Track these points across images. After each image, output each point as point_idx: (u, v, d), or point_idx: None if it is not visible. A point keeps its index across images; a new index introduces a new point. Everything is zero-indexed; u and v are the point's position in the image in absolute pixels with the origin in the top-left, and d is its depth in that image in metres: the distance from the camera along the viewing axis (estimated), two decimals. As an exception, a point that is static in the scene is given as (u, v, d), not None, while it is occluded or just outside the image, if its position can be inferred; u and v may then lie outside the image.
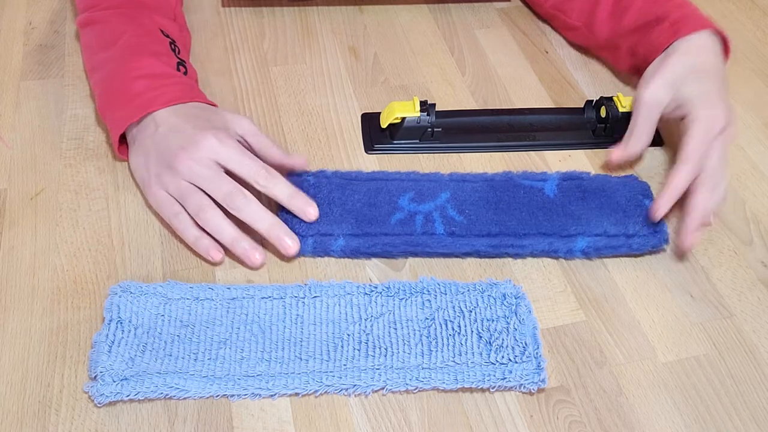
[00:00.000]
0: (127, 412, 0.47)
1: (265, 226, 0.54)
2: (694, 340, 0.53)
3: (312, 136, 0.66)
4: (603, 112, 0.67)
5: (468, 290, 0.53)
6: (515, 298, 0.52)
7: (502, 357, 0.49)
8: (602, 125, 0.67)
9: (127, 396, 0.46)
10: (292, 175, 0.59)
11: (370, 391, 0.49)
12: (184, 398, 0.48)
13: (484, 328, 0.51)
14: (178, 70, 0.61)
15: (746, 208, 0.63)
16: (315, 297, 0.52)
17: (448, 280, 0.54)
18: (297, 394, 0.48)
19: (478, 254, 0.57)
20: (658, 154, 0.67)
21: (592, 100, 0.68)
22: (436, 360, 0.49)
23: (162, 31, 0.63)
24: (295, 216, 0.56)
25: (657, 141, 0.68)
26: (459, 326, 0.51)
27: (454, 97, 0.71)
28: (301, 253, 0.56)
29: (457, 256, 0.57)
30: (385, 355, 0.50)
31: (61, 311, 0.52)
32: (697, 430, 0.48)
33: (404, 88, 0.72)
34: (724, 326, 0.54)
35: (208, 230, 0.54)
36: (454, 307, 0.52)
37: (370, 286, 0.53)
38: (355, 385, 0.48)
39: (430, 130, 0.65)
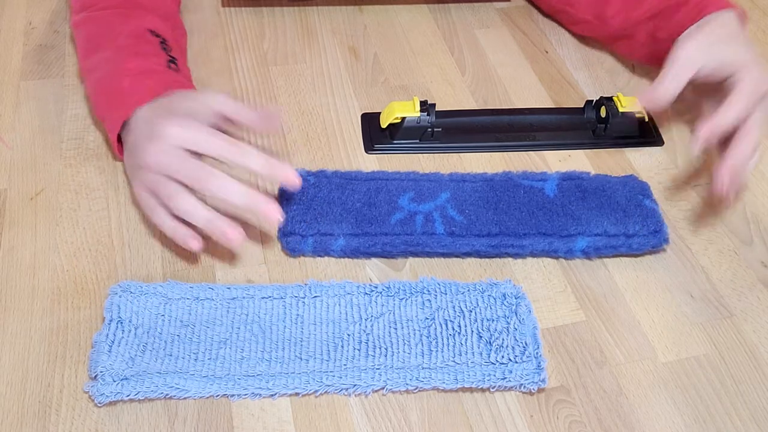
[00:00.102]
0: (127, 412, 0.47)
1: (239, 198, 0.51)
2: (694, 340, 0.53)
3: (312, 136, 0.66)
4: (603, 112, 0.67)
5: (468, 290, 0.53)
6: (515, 298, 0.52)
7: (502, 357, 0.49)
8: (602, 125, 0.67)
9: (127, 396, 0.46)
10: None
11: (370, 391, 0.49)
12: (184, 398, 0.48)
13: (484, 328, 0.51)
14: (169, 67, 0.60)
15: (746, 208, 0.63)
16: (315, 297, 0.52)
17: (448, 280, 0.54)
18: (297, 394, 0.48)
19: (478, 254, 0.57)
20: (658, 154, 0.67)
21: (592, 100, 0.68)
22: (436, 360, 0.49)
23: (152, 31, 0.63)
24: (294, 215, 0.56)
25: (657, 141, 0.68)
26: (459, 326, 0.51)
27: (454, 97, 0.71)
28: (301, 253, 0.56)
29: (457, 256, 0.57)
30: (385, 355, 0.50)
31: (61, 311, 0.52)
32: (697, 430, 0.48)
33: (404, 88, 0.72)
34: (724, 326, 0.54)
35: (182, 217, 0.52)
36: (454, 307, 0.52)
37: (370, 286, 0.53)
38: (355, 385, 0.48)
39: (430, 130, 0.65)
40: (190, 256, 0.56)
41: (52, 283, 0.54)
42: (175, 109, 0.54)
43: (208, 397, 0.48)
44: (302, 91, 0.70)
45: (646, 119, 0.67)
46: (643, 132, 0.68)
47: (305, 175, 0.59)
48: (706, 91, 0.62)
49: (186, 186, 0.51)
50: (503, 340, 0.50)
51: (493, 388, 0.49)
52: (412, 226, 0.56)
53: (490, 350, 0.50)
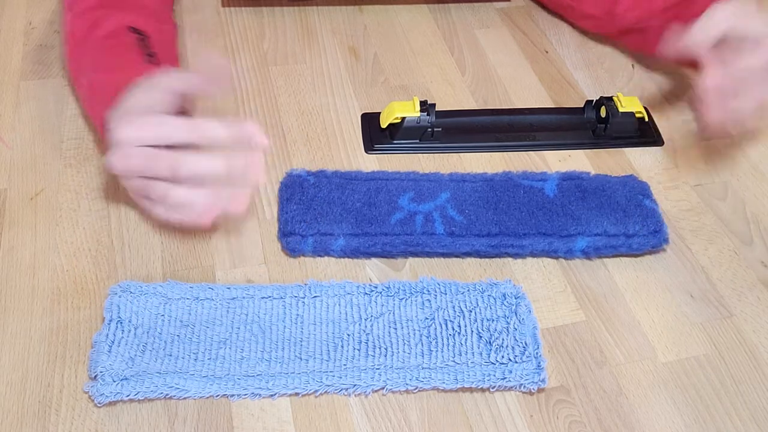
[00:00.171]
0: (127, 412, 0.47)
1: (217, 166, 0.51)
2: (694, 340, 0.53)
3: (312, 136, 0.66)
4: (603, 112, 0.67)
5: (468, 290, 0.53)
6: (515, 298, 0.52)
7: (502, 357, 0.49)
8: (602, 125, 0.67)
9: (127, 396, 0.46)
10: (292, 175, 0.59)
11: (370, 391, 0.49)
12: (184, 398, 0.48)
13: (484, 328, 0.51)
14: (147, 61, 0.59)
15: (746, 208, 0.63)
16: (315, 297, 0.52)
17: (448, 280, 0.54)
18: (297, 394, 0.48)
19: (478, 254, 0.57)
20: (658, 154, 0.67)
21: (592, 100, 0.68)
22: (436, 360, 0.49)
23: (131, 28, 0.62)
24: (294, 215, 0.56)
25: (657, 141, 0.68)
26: (459, 326, 0.51)
27: (454, 97, 0.71)
28: (300, 253, 0.56)
29: (457, 256, 0.57)
30: (385, 355, 0.50)
31: (61, 311, 0.52)
32: (697, 430, 0.48)
33: (404, 88, 0.72)
34: (724, 326, 0.54)
35: (176, 210, 0.52)
36: (454, 307, 0.52)
37: (370, 286, 0.53)
38: (355, 385, 0.48)
39: (430, 130, 0.65)
40: (189, 257, 0.56)
41: (52, 283, 0.54)
42: (132, 106, 0.53)
43: (208, 397, 0.48)
44: (302, 91, 0.70)
45: (646, 119, 0.67)
46: (643, 132, 0.68)
47: (305, 175, 0.59)
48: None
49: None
50: (503, 340, 0.50)
51: (493, 388, 0.49)
52: (412, 226, 0.56)
53: (490, 350, 0.50)
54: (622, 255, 0.58)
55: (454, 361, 0.49)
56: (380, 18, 0.80)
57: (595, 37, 0.79)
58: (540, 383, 0.48)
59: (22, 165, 0.61)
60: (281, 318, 0.51)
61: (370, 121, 0.67)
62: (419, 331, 0.51)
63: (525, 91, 0.72)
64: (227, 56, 0.73)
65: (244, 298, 0.52)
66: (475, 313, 0.52)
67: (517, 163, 0.65)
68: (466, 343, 0.50)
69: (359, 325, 0.51)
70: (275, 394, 0.48)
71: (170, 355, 0.49)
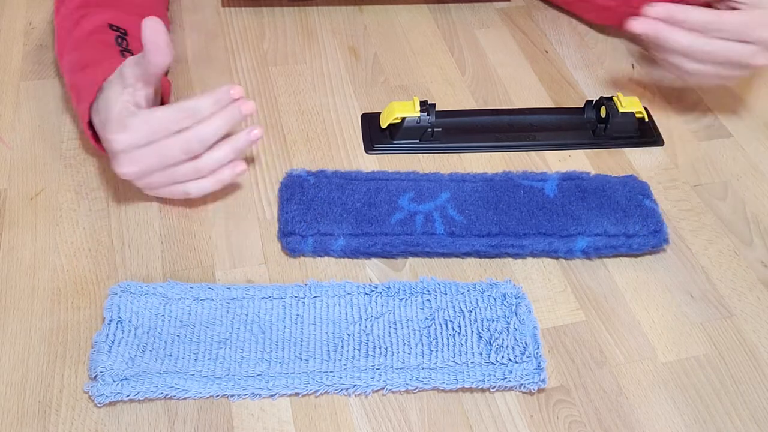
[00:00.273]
0: (127, 412, 0.47)
1: (223, 124, 0.54)
2: (694, 340, 0.53)
3: (312, 136, 0.66)
4: (603, 112, 0.67)
5: (468, 290, 0.53)
6: (515, 298, 0.52)
7: (502, 357, 0.49)
8: (602, 125, 0.67)
9: (127, 396, 0.46)
10: (292, 175, 0.59)
11: (370, 391, 0.49)
12: (184, 398, 0.48)
13: (484, 328, 0.51)
14: (123, 56, 0.59)
15: (746, 208, 0.63)
16: (315, 297, 0.52)
17: (448, 280, 0.54)
18: (297, 394, 0.48)
19: (478, 254, 0.57)
20: (658, 154, 0.67)
21: (592, 100, 0.68)
22: (436, 360, 0.49)
23: (112, 25, 0.62)
24: (294, 215, 0.56)
25: (657, 141, 0.68)
26: (459, 326, 0.51)
27: (454, 97, 0.71)
28: (301, 253, 0.56)
29: (457, 256, 0.57)
30: (385, 355, 0.50)
31: (61, 311, 0.52)
32: (697, 430, 0.48)
33: (404, 88, 0.72)
34: (724, 326, 0.54)
35: (215, 176, 0.56)
36: (454, 307, 0.52)
37: (370, 286, 0.53)
38: (355, 385, 0.48)
39: (430, 130, 0.65)
40: (190, 257, 0.56)
41: (52, 283, 0.54)
42: (110, 109, 0.53)
43: (208, 398, 0.48)
44: (302, 91, 0.70)
45: (646, 119, 0.67)
46: (643, 132, 0.68)
47: (305, 176, 0.59)
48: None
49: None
50: (503, 340, 0.50)
51: (493, 388, 0.49)
52: (412, 226, 0.56)
53: (490, 350, 0.50)
54: (622, 255, 0.58)
55: (454, 361, 0.49)
56: (380, 18, 0.80)
57: (595, 37, 0.79)
58: (540, 383, 0.48)
59: (22, 165, 0.61)
60: (281, 318, 0.51)
61: (370, 121, 0.67)
62: (419, 331, 0.51)
63: (525, 91, 0.72)
64: (227, 56, 0.73)
65: (244, 298, 0.52)
66: (475, 313, 0.52)
67: (517, 163, 0.65)
68: (466, 343, 0.50)
69: (359, 325, 0.51)
70: (275, 395, 0.48)
71: (170, 356, 0.49)
